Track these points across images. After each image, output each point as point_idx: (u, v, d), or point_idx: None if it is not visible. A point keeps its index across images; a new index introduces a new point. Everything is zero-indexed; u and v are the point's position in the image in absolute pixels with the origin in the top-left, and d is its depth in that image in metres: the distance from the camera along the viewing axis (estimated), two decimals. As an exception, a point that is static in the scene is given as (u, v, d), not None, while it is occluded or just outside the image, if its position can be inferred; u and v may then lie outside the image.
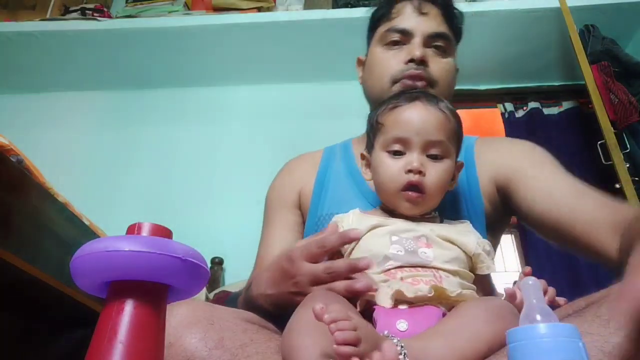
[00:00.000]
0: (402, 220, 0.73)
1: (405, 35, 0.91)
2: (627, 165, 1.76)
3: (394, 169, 0.72)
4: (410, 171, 0.70)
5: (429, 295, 0.61)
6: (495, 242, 0.92)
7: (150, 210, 2.19)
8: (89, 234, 1.02)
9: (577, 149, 2.34)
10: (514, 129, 2.44)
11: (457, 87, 2.83)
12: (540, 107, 2.48)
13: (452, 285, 0.64)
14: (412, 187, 0.71)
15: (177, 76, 2.53)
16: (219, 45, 2.33)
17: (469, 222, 0.78)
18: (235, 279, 1.91)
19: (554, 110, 2.49)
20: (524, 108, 2.50)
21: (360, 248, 0.72)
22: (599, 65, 1.97)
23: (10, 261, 0.73)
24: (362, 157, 0.83)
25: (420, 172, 0.70)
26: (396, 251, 0.67)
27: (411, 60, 0.88)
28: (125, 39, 2.30)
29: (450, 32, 0.94)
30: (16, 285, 0.83)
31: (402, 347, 0.50)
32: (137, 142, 2.47)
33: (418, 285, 0.63)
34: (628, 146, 1.90)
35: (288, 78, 2.48)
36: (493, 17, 2.18)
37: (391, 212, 0.76)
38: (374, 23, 0.99)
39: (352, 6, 2.24)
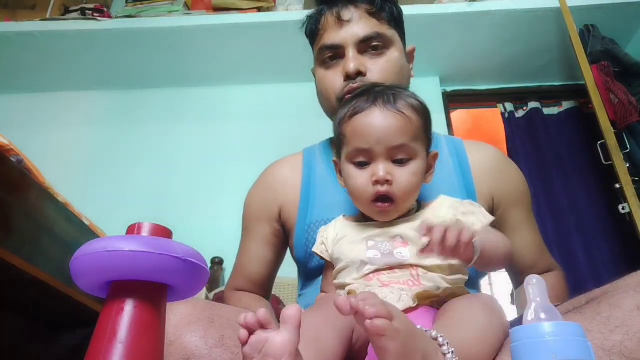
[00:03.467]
0: (377, 224, 0.73)
1: (338, 49, 0.89)
2: (627, 165, 1.76)
3: (361, 181, 0.71)
4: (377, 182, 0.69)
5: (414, 305, 0.61)
6: None
7: (150, 210, 2.18)
8: (89, 234, 1.01)
9: (577, 149, 2.34)
10: (514, 129, 2.44)
11: (457, 88, 2.80)
12: (541, 107, 2.49)
13: (433, 282, 0.65)
14: (381, 197, 0.69)
15: (177, 76, 2.52)
16: (219, 45, 2.33)
17: (441, 194, 0.77)
18: (235, 279, 1.91)
19: (554, 110, 2.49)
20: (524, 108, 2.50)
21: (339, 256, 0.72)
22: (599, 65, 1.97)
23: (10, 261, 0.73)
24: (335, 164, 0.82)
25: (387, 181, 0.68)
26: (373, 255, 0.68)
27: (348, 76, 0.87)
28: (125, 39, 2.30)
29: (384, 25, 0.90)
30: (16, 285, 0.83)
31: (448, 343, 0.49)
32: (137, 142, 2.46)
33: (394, 286, 0.64)
34: (628, 146, 1.90)
35: (288, 78, 2.47)
36: (493, 17, 2.18)
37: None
38: (310, 39, 0.99)
39: (352, 6, 2.24)
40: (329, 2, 0.93)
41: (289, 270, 1.07)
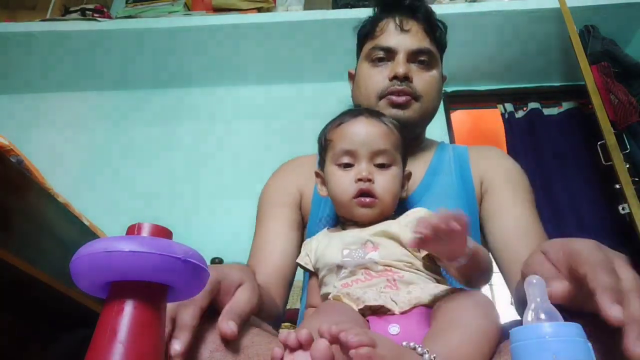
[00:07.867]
0: (352, 232, 0.76)
1: (390, 53, 0.95)
2: (627, 166, 1.76)
3: (345, 180, 0.76)
4: (360, 180, 0.74)
5: (408, 308, 0.63)
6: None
7: (150, 210, 2.19)
8: (89, 234, 1.02)
9: (577, 149, 2.34)
10: (514, 129, 2.44)
11: (457, 88, 2.82)
12: (540, 108, 2.49)
13: (416, 282, 0.67)
14: (363, 194, 0.74)
15: (178, 76, 2.53)
16: (219, 45, 2.33)
17: (421, 207, 0.79)
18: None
19: (554, 111, 2.49)
20: (524, 108, 2.50)
21: (320, 263, 0.76)
22: (598, 65, 1.97)
23: (10, 261, 0.73)
24: (317, 175, 0.85)
25: (369, 180, 0.74)
26: (347, 259, 0.72)
27: (395, 77, 0.91)
28: (125, 40, 2.30)
29: (433, 46, 0.97)
30: (16, 286, 0.83)
31: (435, 357, 0.48)
32: (136, 142, 2.47)
33: (374, 288, 0.66)
34: (628, 147, 1.90)
35: (288, 78, 2.48)
36: (493, 18, 2.18)
37: (351, 226, 0.78)
38: (361, 40, 1.03)
39: (352, 6, 2.24)
40: (394, 10, 0.98)
41: (289, 270, 1.07)
